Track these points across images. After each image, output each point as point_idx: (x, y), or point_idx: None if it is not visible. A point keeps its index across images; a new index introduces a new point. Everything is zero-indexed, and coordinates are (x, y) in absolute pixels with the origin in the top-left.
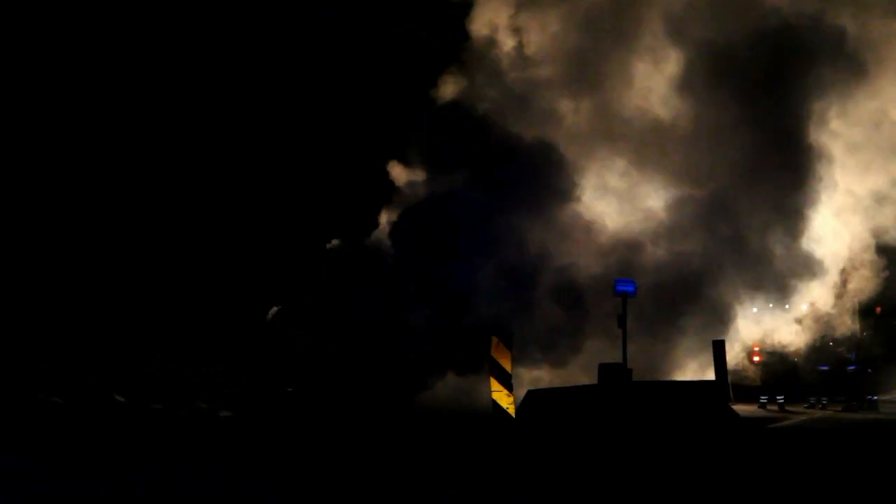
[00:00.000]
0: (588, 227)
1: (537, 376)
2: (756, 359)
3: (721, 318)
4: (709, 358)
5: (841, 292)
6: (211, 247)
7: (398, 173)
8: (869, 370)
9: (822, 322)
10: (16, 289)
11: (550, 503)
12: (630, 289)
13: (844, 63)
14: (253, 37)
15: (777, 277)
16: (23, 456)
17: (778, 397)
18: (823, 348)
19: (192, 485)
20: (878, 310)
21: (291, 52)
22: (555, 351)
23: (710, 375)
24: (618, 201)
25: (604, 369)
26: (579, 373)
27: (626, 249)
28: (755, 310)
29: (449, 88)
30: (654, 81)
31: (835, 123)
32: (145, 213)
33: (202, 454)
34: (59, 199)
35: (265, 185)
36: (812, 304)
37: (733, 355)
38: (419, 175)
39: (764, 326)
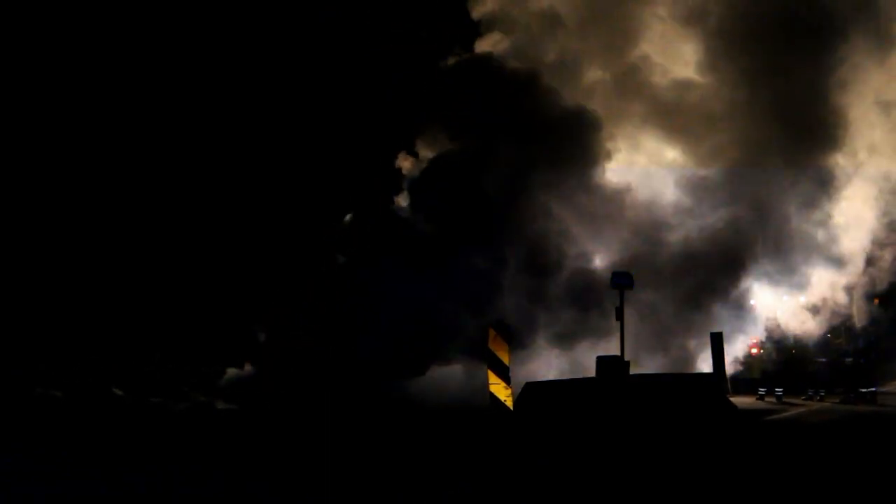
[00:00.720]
0: (611, 212)
1: (554, 363)
2: (754, 351)
3: (741, 305)
4: (730, 348)
5: (853, 283)
6: (211, 248)
7: (407, 166)
8: (862, 360)
9: (832, 312)
10: (17, 290)
11: (550, 503)
12: (627, 281)
13: (873, 32)
14: (252, 37)
15: (795, 266)
16: (23, 456)
17: (776, 389)
18: (822, 340)
19: (192, 485)
20: (877, 301)
21: (292, 51)
22: (574, 340)
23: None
24: (643, 180)
25: (601, 362)
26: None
27: (649, 234)
28: (753, 301)
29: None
30: (676, 53)
31: (858, 100)
32: (146, 213)
33: (202, 453)
34: (60, 199)
35: (264, 188)
36: (822, 295)
37: (747, 345)
38: (433, 150)
39: (768, 316)
